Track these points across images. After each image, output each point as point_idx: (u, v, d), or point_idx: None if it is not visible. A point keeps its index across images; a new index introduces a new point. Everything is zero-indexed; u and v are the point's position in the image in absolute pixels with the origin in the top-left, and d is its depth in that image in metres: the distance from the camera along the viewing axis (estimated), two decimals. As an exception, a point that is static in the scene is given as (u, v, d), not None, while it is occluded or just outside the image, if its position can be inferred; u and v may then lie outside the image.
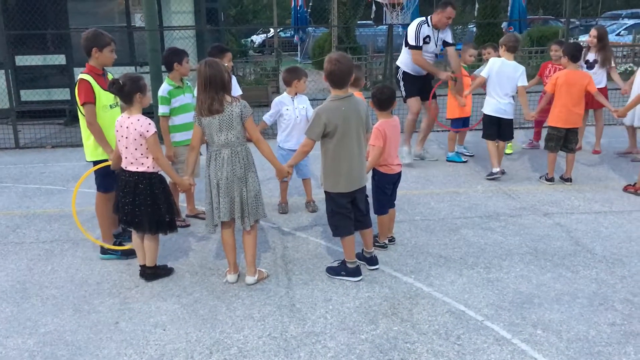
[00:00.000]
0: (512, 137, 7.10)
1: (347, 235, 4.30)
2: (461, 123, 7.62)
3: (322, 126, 4.06)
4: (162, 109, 5.28)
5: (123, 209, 4.27)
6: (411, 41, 7.25)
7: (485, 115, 6.85)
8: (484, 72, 6.81)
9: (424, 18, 7.40)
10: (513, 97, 6.75)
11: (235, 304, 4.04)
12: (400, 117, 9.46)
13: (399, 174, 4.78)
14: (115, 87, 4.11)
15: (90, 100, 4.55)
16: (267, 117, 5.72)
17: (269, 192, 6.36)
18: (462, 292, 4.12)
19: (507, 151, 7.93)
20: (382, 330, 3.66)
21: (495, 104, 6.71)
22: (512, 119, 6.81)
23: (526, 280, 4.30)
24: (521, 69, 6.65)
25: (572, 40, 9.39)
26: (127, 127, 4.13)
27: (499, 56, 6.83)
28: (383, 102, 4.62)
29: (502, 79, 6.62)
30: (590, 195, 6.22)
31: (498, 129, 6.81)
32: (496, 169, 6.76)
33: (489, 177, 6.80)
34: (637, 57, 16.38)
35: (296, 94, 5.66)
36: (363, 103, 4.27)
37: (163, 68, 9.58)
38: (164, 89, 5.31)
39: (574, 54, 6.37)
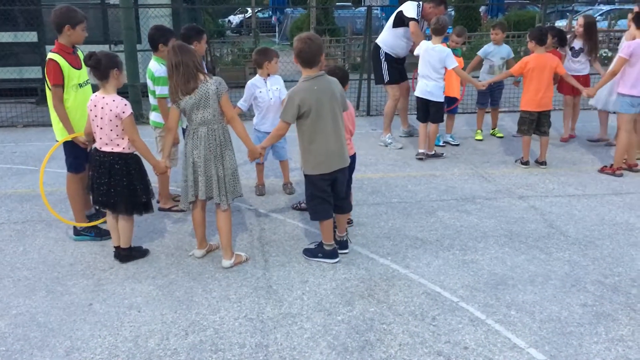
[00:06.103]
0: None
1: (325, 219, 4.30)
2: (445, 103, 7.55)
3: (296, 108, 4.02)
4: (162, 90, 4.87)
5: (98, 190, 4.19)
6: (411, 14, 7.25)
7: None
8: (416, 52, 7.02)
9: (418, 2, 7.41)
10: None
11: (211, 285, 4.02)
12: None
13: (354, 155, 4.71)
14: (92, 61, 3.99)
15: (59, 82, 4.41)
16: (242, 103, 5.59)
17: (246, 174, 6.31)
18: (438, 274, 4.16)
19: (499, 135, 8.12)
20: (359, 311, 3.67)
21: (423, 86, 6.89)
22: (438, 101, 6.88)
23: (501, 262, 4.35)
24: (447, 51, 6.69)
25: (548, 25, 9.49)
26: (102, 108, 4.04)
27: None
28: (342, 79, 4.49)
29: (427, 61, 6.77)
30: (565, 178, 6.30)
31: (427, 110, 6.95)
32: (420, 150, 7.07)
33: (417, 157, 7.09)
34: (612, 43, 16.55)
35: (269, 75, 5.59)
36: (337, 82, 4.21)
37: (138, 47, 9.61)
38: (161, 70, 4.86)
39: (540, 37, 6.48)
